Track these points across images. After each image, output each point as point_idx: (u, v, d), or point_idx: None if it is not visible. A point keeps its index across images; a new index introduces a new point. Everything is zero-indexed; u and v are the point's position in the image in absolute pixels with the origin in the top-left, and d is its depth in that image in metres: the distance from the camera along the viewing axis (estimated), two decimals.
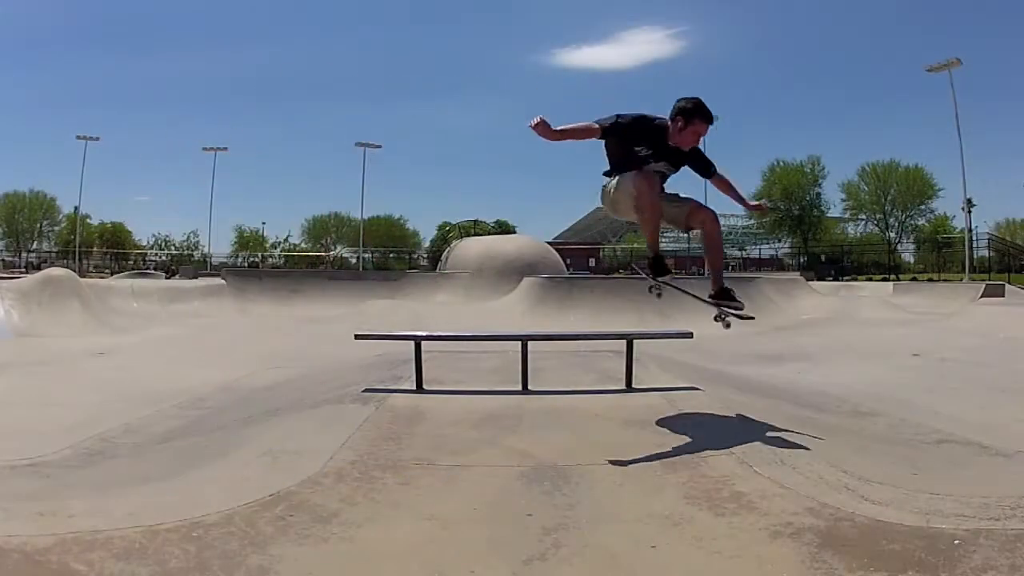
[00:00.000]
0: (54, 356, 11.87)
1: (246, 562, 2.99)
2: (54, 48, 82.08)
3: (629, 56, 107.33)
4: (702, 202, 5.88)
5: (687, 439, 4.79)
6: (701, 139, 5.54)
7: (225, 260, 60.51)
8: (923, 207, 57.77)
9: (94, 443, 5.86)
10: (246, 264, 61.94)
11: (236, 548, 3.12)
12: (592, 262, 64.67)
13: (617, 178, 5.61)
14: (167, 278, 35.29)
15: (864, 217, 60.91)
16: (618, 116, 5.41)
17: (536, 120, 5.06)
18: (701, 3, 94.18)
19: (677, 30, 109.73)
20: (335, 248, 68.28)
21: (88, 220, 61.15)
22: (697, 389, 6.33)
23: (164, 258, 61.08)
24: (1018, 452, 5.02)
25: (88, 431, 6.21)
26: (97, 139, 50.17)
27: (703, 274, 45.38)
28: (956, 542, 3.06)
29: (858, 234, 62.26)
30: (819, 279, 36.47)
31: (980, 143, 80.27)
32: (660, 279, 6.04)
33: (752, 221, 65.75)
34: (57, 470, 5.04)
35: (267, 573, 2.90)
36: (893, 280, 36.51)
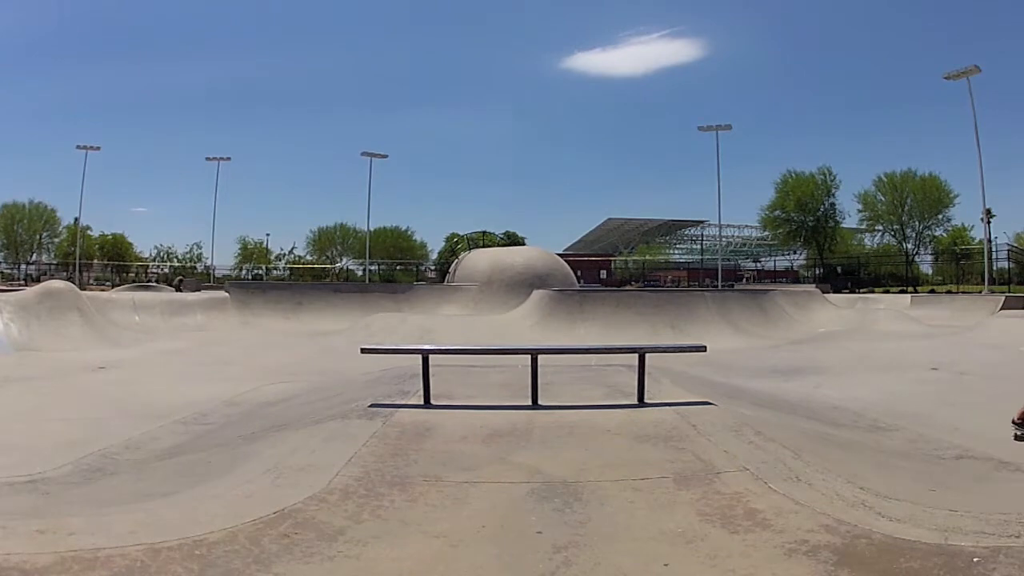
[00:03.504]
0: (54, 371, 11.93)
1: None
2: (52, 56, 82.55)
3: (641, 63, 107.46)
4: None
5: (700, 455, 4.78)
6: None
7: (229, 272, 60.76)
8: (940, 216, 57.72)
9: (95, 459, 5.89)
10: (250, 276, 62.00)
11: (240, 567, 3.12)
12: (603, 274, 64.71)
13: None
14: (177, 291, 35.52)
15: (881, 228, 60.72)
16: None
17: None
18: (716, 11, 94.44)
19: (690, 38, 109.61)
20: (341, 260, 68.32)
21: (89, 232, 61.55)
22: (711, 404, 6.31)
23: (167, 270, 61.29)
24: None
25: (89, 447, 6.24)
26: (98, 149, 50.32)
27: (716, 286, 45.30)
28: (975, 560, 3.05)
29: (875, 245, 62.03)
30: (835, 291, 36.34)
31: (1000, 153, 79.91)
32: None
33: (767, 233, 65.62)
34: (57, 487, 5.06)
35: None
36: (911, 292, 36.32)
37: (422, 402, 6.35)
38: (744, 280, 62.03)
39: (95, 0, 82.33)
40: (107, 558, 3.16)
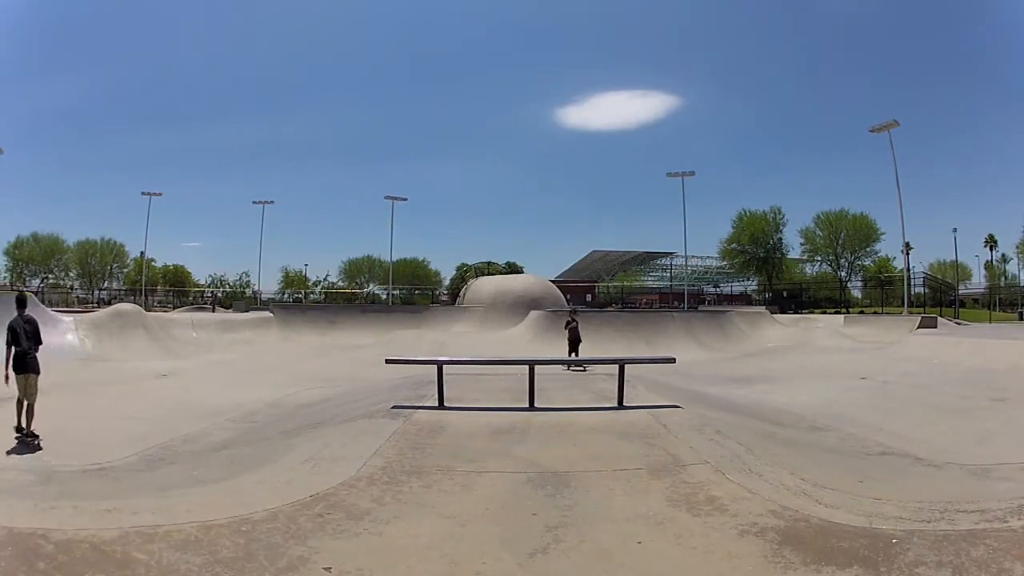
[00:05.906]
0: (123, 377, 11.90)
1: (288, 553, 2.99)
2: (122, 116, 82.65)
3: (619, 119, 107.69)
4: None
5: (669, 450, 4.77)
6: None
7: (273, 296, 60.65)
8: (868, 249, 58.01)
9: (157, 451, 5.87)
10: (291, 300, 61.87)
11: (280, 541, 3.12)
12: (589, 297, 64.49)
13: None
14: (212, 311, 35.52)
15: (819, 259, 60.91)
16: None
17: None
18: (678, 73, 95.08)
19: (658, 96, 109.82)
20: (368, 285, 68.20)
21: (153, 263, 61.41)
22: (678, 407, 6.31)
23: (217, 295, 61.03)
24: (947, 463, 5.00)
25: (152, 440, 6.23)
26: (160, 195, 50.12)
27: (683, 308, 45.26)
28: (894, 541, 3.06)
29: (814, 273, 62.01)
30: (782, 312, 36.21)
31: (919, 191, 79.77)
32: None
33: (725, 262, 65.70)
34: (124, 473, 5.04)
35: (306, 563, 2.90)
36: (844, 313, 36.20)
37: (437, 404, 6.34)
38: (706, 302, 61.88)
39: (157, 72, 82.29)
40: (165, 533, 3.16)
